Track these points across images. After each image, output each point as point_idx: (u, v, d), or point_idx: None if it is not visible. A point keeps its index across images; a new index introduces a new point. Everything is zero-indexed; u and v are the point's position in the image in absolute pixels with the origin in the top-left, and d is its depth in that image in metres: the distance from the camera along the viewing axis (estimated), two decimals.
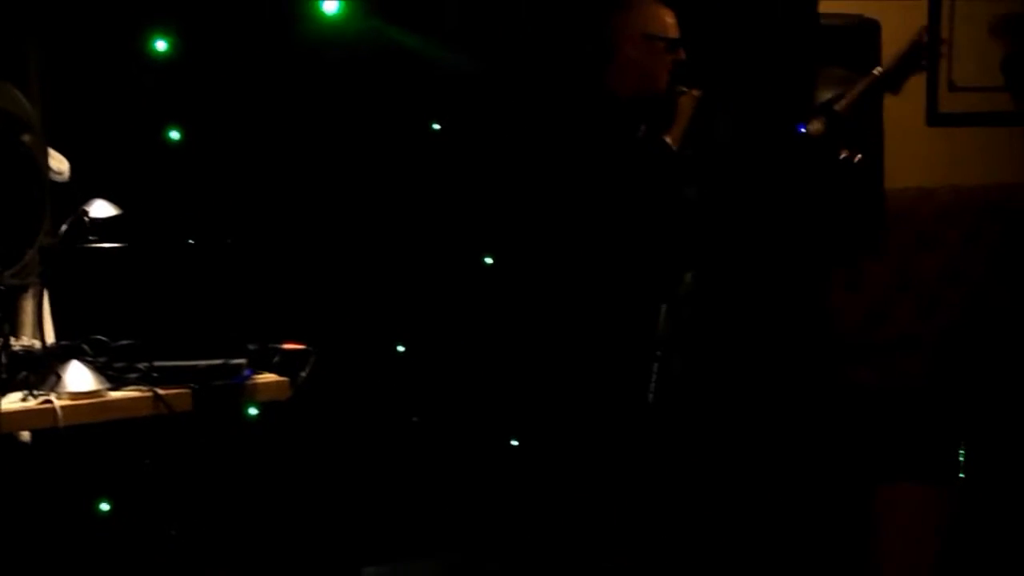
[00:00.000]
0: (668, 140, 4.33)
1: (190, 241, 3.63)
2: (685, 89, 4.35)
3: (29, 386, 3.26)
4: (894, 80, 4.58)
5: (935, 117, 5.71)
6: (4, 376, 3.26)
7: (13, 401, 3.22)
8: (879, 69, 4.51)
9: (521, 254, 4.46)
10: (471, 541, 4.54)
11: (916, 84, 5.65)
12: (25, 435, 3.39)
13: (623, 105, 4.31)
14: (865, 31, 5.36)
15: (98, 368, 3.39)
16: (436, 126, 4.60)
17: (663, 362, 4.15)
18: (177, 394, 3.42)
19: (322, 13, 4.40)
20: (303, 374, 3.60)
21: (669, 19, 4.38)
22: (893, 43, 5.35)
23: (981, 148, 5.66)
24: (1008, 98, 5.70)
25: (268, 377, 3.60)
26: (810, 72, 4.56)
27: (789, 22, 4.51)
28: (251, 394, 3.56)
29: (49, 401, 3.23)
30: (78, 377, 3.33)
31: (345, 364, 4.33)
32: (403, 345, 4.62)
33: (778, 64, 4.51)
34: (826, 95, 4.88)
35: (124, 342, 3.45)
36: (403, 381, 4.62)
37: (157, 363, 3.43)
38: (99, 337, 3.44)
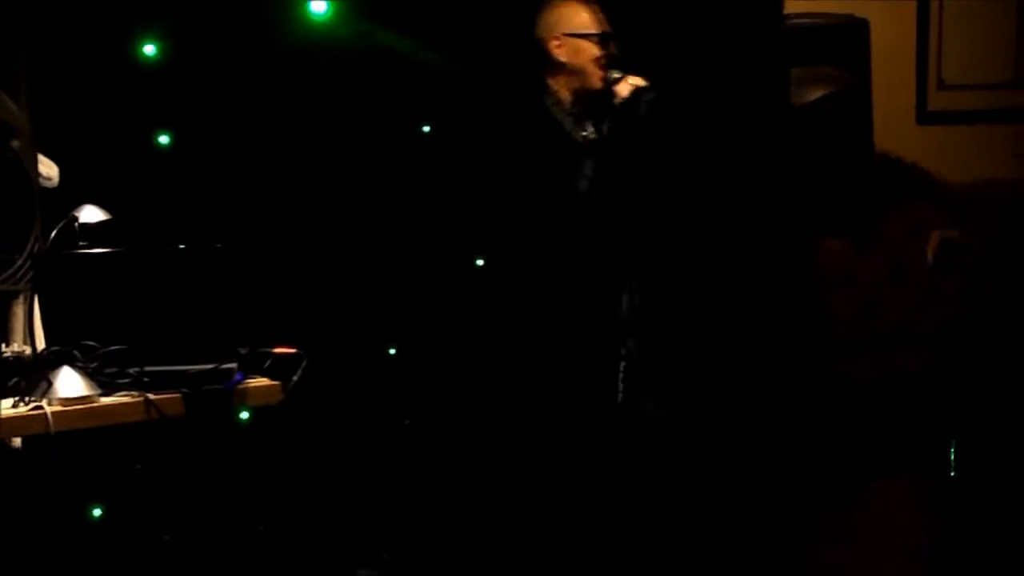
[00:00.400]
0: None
1: (180, 246, 3.63)
2: (618, 75, 4.33)
3: (20, 392, 3.25)
4: None
5: (924, 115, 5.72)
6: None
7: (4, 407, 3.21)
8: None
9: (490, 258, 4.47)
10: (464, 542, 4.54)
11: (906, 83, 5.66)
12: (16, 441, 3.39)
13: (567, 107, 4.34)
14: (854, 30, 5.36)
15: (89, 374, 3.38)
16: (426, 128, 4.60)
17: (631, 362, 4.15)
18: (168, 399, 3.42)
19: (311, 15, 4.40)
20: (294, 378, 3.60)
21: (587, 14, 4.38)
22: (882, 41, 5.36)
23: (970, 145, 5.68)
24: (999, 95, 5.72)
25: (259, 381, 3.60)
26: (779, 70, 4.55)
27: (751, 22, 4.50)
28: (242, 398, 3.56)
29: (40, 407, 3.22)
30: (69, 383, 3.32)
31: (336, 367, 4.33)
32: (393, 347, 4.62)
33: (741, 62, 4.50)
34: (816, 93, 4.88)
35: (115, 347, 3.45)
36: (394, 383, 4.61)
37: (148, 368, 3.42)
38: (90, 342, 3.43)
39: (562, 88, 4.38)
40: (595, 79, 4.34)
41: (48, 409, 3.22)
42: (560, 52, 4.37)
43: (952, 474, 4.54)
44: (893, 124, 5.56)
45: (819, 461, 4.31)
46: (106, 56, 4.20)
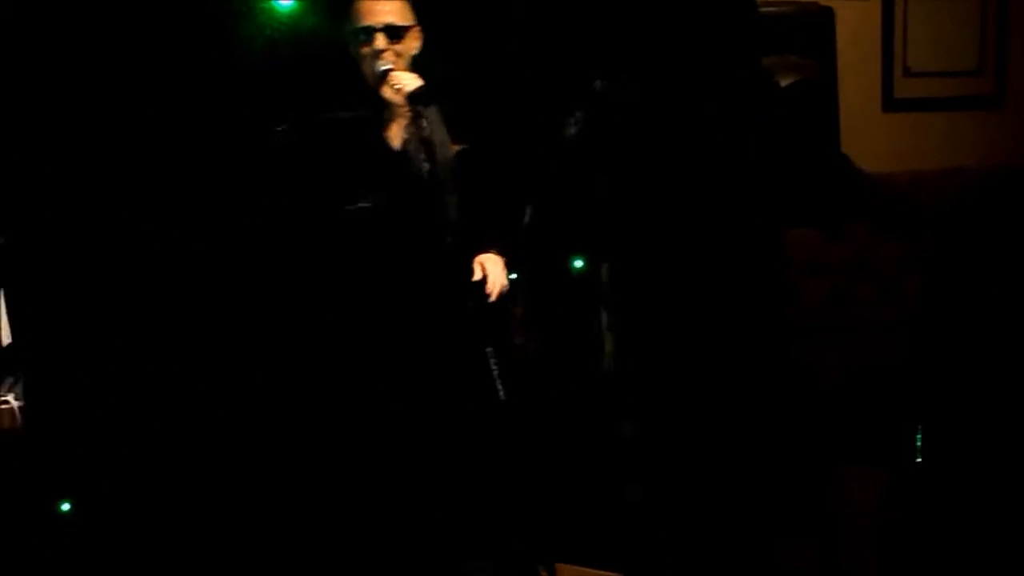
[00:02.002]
0: (388, 136, 3.93)
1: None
2: (385, 68, 3.91)
3: None
4: None
5: (891, 103, 5.74)
6: None
7: None
8: None
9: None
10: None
11: (872, 70, 5.68)
12: None
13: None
14: (820, 18, 5.39)
15: None
16: None
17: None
18: None
19: (276, 8, 4.37)
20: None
21: (365, 4, 3.98)
22: (847, 29, 5.40)
23: (937, 132, 5.70)
24: (964, 82, 5.75)
25: None
26: (752, 59, 4.53)
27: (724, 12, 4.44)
28: None
29: (7, 401, 3.23)
30: None
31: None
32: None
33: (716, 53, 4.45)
34: (783, 82, 4.91)
35: None
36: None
37: None
38: None
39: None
40: (371, 77, 3.97)
41: (15, 404, 3.23)
42: (353, 49, 4.01)
43: (917, 462, 4.58)
44: (859, 112, 5.59)
45: (787, 452, 4.32)
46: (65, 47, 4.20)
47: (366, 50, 3.94)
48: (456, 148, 4.01)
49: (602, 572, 4.45)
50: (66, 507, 3.58)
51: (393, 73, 3.89)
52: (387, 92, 3.88)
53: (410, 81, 3.88)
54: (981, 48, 5.79)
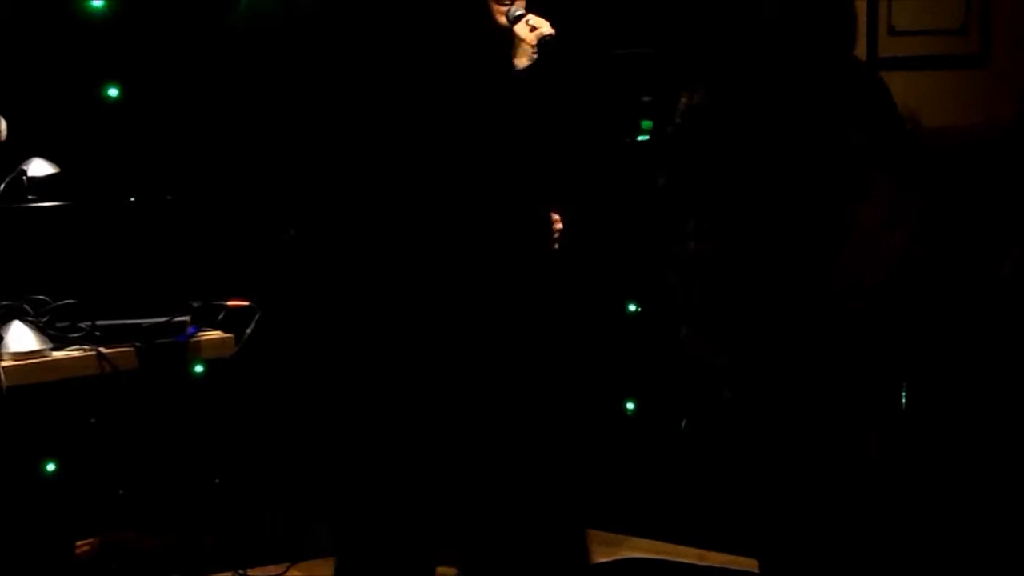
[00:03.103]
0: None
1: (131, 199, 3.62)
2: (520, 12, 4.09)
3: None
4: None
5: (875, 62, 5.73)
6: None
7: None
8: None
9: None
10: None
11: (857, 29, 5.67)
12: None
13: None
14: None
15: (40, 328, 3.37)
16: None
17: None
18: (121, 352, 3.42)
19: None
20: (248, 331, 3.60)
21: None
22: None
23: (921, 92, 5.69)
24: (949, 41, 5.74)
25: (213, 334, 3.60)
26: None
27: None
28: (196, 351, 3.56)
29: None
30: (20, 337, 3.31)
31: (289, 321, 4.32)
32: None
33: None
34: None
35: (66, 301, 3.44)
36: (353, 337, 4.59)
37: (100, 322, 3.42)
38: (40, 296, 3.42)
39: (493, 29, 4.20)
40: (500, 16, 4.14)
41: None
42: None
43: (901, 416, 4.60)
44: None
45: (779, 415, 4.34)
46: (53, 7, 4.17)
47: None
48: None
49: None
50: (51, 467, 3.57)
51: (531, 14, 4.08)
52: (522, 29, 4.05)
53: (545, 26, 4.05)
54: (967, 6, 5.78)
